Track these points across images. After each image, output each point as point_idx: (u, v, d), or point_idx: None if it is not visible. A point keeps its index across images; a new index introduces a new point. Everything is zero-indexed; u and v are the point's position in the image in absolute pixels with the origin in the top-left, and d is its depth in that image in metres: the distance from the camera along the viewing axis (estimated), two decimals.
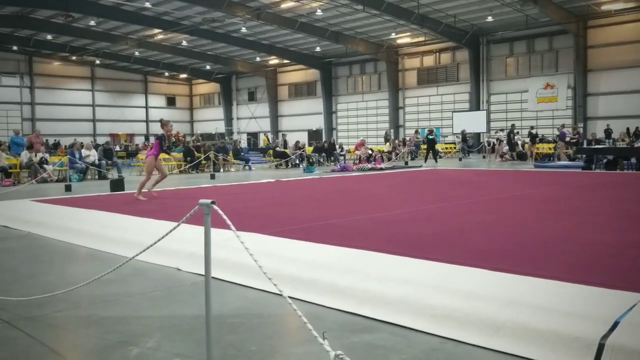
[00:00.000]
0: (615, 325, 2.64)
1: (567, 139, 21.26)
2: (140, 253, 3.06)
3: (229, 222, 2.45)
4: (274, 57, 39.22)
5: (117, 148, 32.29)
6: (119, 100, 45.31)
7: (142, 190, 8.96)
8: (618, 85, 27.72)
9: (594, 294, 3.08)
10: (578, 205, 7.36)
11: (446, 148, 29.13)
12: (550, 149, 22.10)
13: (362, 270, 3.85)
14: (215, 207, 2.44)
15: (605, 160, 15.55)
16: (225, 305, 3.54)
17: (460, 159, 24.57)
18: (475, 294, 3.22)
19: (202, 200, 2.47)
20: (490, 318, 2.93)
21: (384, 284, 3.53)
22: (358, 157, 21.14)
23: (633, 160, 15.12)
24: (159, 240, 2.93)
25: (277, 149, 21.51)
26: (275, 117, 43.38)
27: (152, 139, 40.54)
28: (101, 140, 32.53)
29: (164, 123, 9.56)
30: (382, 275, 3.70)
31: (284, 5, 28.06)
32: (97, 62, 41.86)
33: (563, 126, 23.91)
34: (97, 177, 16.04)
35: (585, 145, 18.60)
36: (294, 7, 28.32)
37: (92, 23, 31.14)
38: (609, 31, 28.12)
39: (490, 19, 29.16)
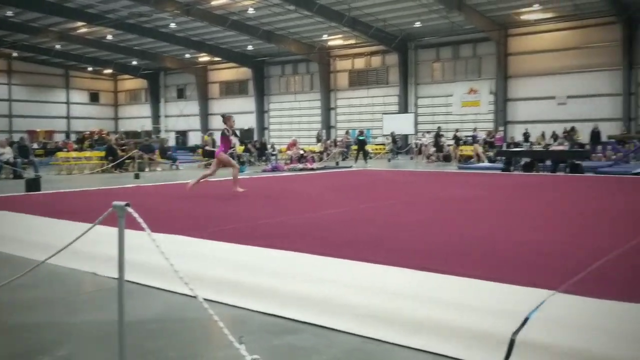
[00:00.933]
0: (525, 321, 2.76)
1: (481, 141, 22.29)
2: (52, 256, 2.91)
3: (143, 224, 2.36)
4: (204, 54, 38.52)
5: (35, 146, 30.66)
6: (38, 95, 43.03)
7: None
8: (535, 91, 29.26)
9: (507, 291, 3.22)
10: (497, 205, 7.69)
11: (376, 149, 29.68)
12: (472, 151, 22.99)
13: (288, 272, 3.84)
14: (129, 209, 2.35)
15: (523, 163, 16.35)
16: (145, 311, 3.42)
17: (389, 160, 25.11)
18: (397, 293, 3.28)
19: (115, 203, 2.37)
20: (411, 317, 3.00)
21: (309, 286, 3.53)
22: (290, 157, 21.14)
23: (548, 162, 15.99)
24: (70, 243, 2.80)
25: (207, 147, 21.11)
26: (205, 115, 42.62)
27: (73, 137, 38.78)
28: (19, 138, 30.75)
29: (226, 118, 9.56)
30: (307, 277, 3.70)
31: (214, 2, 27.63)
32: (15, 54, 39.55)
33: (475, 129, 25.05)
34: (12, 176, 15.15)
35: (505, 148, 19.49)
36: (225, 5, 27.96)
37: (10, 14, 29.38)
38: (528, 40, 29.63)
39: (418, 24, 30.00)
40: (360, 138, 23.14)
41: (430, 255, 4.28)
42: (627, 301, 2.93)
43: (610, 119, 26.61)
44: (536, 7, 26.81)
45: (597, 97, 27.36)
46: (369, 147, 25.69)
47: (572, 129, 23.52)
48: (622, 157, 19.25)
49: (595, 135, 23.29)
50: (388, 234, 5.30)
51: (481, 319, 2.85)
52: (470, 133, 24.77)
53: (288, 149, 21.83)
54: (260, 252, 4.43)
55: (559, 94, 28.41)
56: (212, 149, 21.46)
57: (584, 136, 24.04)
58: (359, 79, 36.11)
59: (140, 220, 2.36)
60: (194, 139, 40.70)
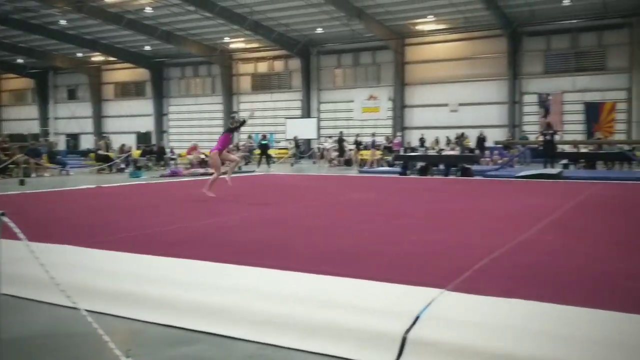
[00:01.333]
0: (416, 319, 2.87)
1: (381, 145, 23.19)
2: None
3: (21, 235, 2.19)
4: (98, 53, 36.67)
5: None
6: None
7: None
8: (430, 98, 30.75)
9: (399, 291, 3.33)
10: (393, 208, 7.97)
11: (279, 153, 29.76)
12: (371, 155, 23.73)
13: (184, 280, 3.72)
14: (5, 219, 2.17)
15: (418, 167, 17.10)
16: (28, 327, 3.18)
17: (292, 164, 25.26)
18: (293, 297, 3.28)
19: None
20: (307, 320, 3.01)
21: (205, 293, 3.45)
22: (190, 161, 20.62)
23: (441, 166, 16.85)
24: None
25: (100, 152, 20.08)
26: (99, 117, 40.57)
27: None
28: None
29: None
30: (204, 284, 3.61)
31: (109, 0, 26.41)
32: None
33: (373, 134, 25.97)
34: None
35: (402, 153, 20.30)
36: (121, 2, 26.81)
37: None
38: (423, 49, 31.08)
39: (320, 30, 30.50)
40: (263, 142, 23.09)
41: (326, 258, 4.34)
42: (507, 297, 3.14)
43: (497, 126, 28.55)
44: (430, 18, 28.22)
45: (485, 105, 29.24)
46: (272, 152, 25.69)
47: (462, 134, 24.97)
48: (507, 162, 20.71)
49: (480, 140, 24.91)
50: (284, 238, 5.32)
51: (374, 319, 2.92)
52: (370, 138, 25.59)
53: (188, 153, 21.28)
54: (153, 260, 4.27)
55: (452, 101, 30.05)
56: (106, 153, 20.47)
57: (473, 142, 25.59)
58: (262, 83, 36.04)
59: (16, 229, 2.18)
60: (86, 142, 38.53)
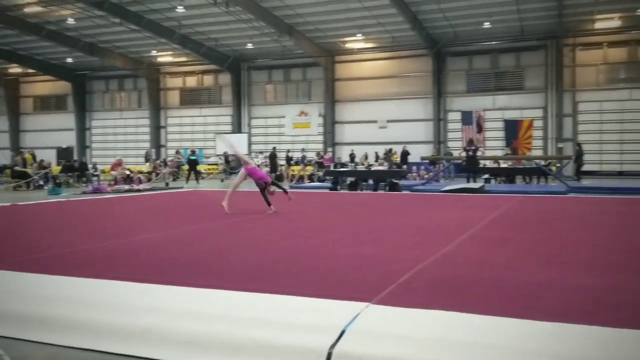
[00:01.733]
0: (342, 334, 2.86)
1: (312, 161, 23.34)
2: None
3: None
4: (15, 65, 34.88)
5: None
6: None
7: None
8: (360, 115, 31.34)
9: (325, 306, 3.32)
10: (321, 223, 8.00)
11: (208, 169, 29.28)
12: (301, 171, 23.85)
13: (103, 301, 3.55)
14: None
15: (348, 182, 17.33)
16: None
17: (222, 180, 24.89)
18: (218, 315, 3.20)
19: None
20: (232, 339, 2.94)
21: (127, 315, 3.30)
22: (114, 178, 19.87)
23: (371, 181, 17.15)
24: None
25: (16, 168, 18.99)
26: (16, 132, 38.49)
27: None
28: None
29: None
30: (125, 306, 3.46)
31: (28, 10, 25.23)
32: None
33: (303, 150, 26.10)
34: None
35: (332, 168, 20.50)
36: (41, 13, 25.68)
37: None
38: (353, 67, 31.70)
39: (250, 46, 30.48)
40: (192, 158, 22.67)
41: (251, 274, 4.28)
42: (430, 308, 3.20)
43: (424, 142, 29.46)
44: (359, 36, 28.87)
45: (412, 122, 30.13)
46: (201, 167, 25.24)
47: (390, 150, 25.57)
48: (433, 177, 21.38)
49: (404, 155, 25.64)
50: (208, 255, 5.20)
51: (300, 335, 2.90)
52: (301, 154, 25.69)
53: (112, 169, 20.50)
54: (68, 281, 4.05)
55: (381, 118, 30.76)
56: (23, 170, 19.42)
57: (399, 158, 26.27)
58: (191, 98, 35.48)
59: None
60: (2, 158, 36.36)
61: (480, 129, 28.30)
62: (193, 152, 23.42)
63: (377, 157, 23.74)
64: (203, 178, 24.97)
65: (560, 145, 27.53)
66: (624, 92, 27.04)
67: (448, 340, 2.76)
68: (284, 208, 9.27)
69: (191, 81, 35.42)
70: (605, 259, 4.85)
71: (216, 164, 30.65)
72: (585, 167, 26.69)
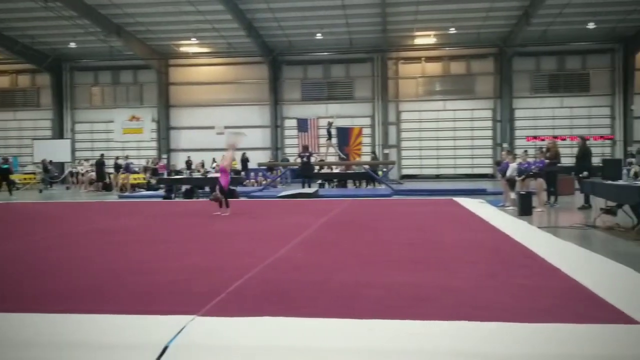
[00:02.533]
0: (164, 350, 2.72)
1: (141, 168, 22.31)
2: None
3: None
4: None
5: None
6: None
7: None
8: (197, 120, 30.73)
9: (147, 322, 3.12)
10: (151, 234, 7.62)
11: (25, 179, 26.46)
12: (135, 179, 22.67)
13: None
14: None
15: (183, 190, 16.83)
16: None
17: (41, 191, 22.64)
18: (29, 342, 2.86)
19: None
20: None
21: None
22: None
23: (207, 188, 16.82)
24: None
25: None
26: None
27: None
28: None
29: None
30: None
31: None
32: None
33: (126, 157, 24.42)
34: None
35: (167, 176, 19.77)
36: None
37: None
38: (188, 71, 30.98)
39: (73, 45, 28.28)
40: (4, 167, 20.28)
41: (66, 295, 3.90)
42: (258, 316, 3.17)
43: (261, 148, 29.79)
44: (194, 41, 28.32)
45: (250, 128, 30.26)
46: (15, 177, 22.73)
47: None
48: (270, 183, 21.67)
49: (244, 162, 25.76)
50: (22, 277, 4.65)
51: (121, 355, 2.70)
52: (136, 161, 24.34)
53: None
54: None
55: (218, 124, 30.47)
56: None
57: (239, 163, 26.25)
58: (3, 100, 31.89)
59: None
60: None
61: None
62: (6, 161, 20.95)
63: (203, 164, 23.38)
64: (17, 189, 22.52)
65: (386, 151, 29.70)
66: (439, 103, 30.05)
67: (276, 346, 2.75)
68: (105, 222, 8.68)
69: (3, 82, 31.87)
70: (416, 257, 5.28)
71: (34, 173, 27.79)
72: (408, 171, 29.12)
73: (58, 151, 29.51)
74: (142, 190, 21.39)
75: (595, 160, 14.14)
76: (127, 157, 23.67)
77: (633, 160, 20.02)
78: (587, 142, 13.48)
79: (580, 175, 12.16)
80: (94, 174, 22.13)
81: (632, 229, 7.97)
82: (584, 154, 12.47)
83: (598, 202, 9.19)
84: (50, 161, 25.15)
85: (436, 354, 2.61)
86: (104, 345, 2.81)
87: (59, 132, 31.11)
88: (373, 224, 8.13)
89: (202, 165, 21.63)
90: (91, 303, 3.59)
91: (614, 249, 6.78)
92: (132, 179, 22.69)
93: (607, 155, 27.30)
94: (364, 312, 3.21)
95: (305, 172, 19.11)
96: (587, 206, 11.76)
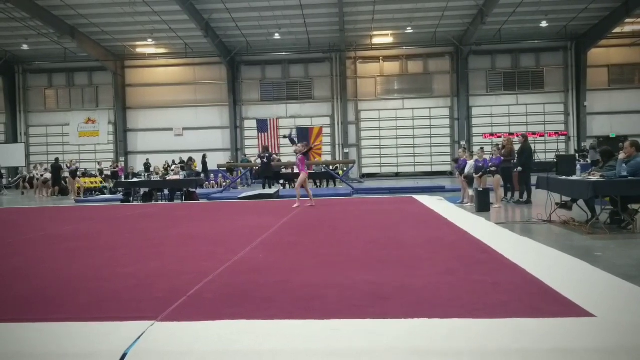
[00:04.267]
0: (123, 357, 2.68)
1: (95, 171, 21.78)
2: None
3: None
4: None
5: None
6: None
7: None
8: (155, 122, 30.25)
9: (105, 329, 3.07)
10: (107, 239, 7.47)
11: None
12: (93, 182, 22.14)
13: None
14: None
15: (142, 193, 16.53)
16: None
17: None
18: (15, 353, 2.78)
19: None
20: None
21: None
22: None
23: (166, 191, 16.60)
24: None
25: None
26: None
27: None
28: None
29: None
30: None
31: None
32: None
33: (71, 161, 23.74)
34: None
35: (124, 179, 19.38)
36: None
37: None
38: (145, 72, 30.44)
39: (25, 47, 27.45)
40: None
41: (17, 302, 3.80)
42: (217, 319, 3.17)
43: (221, 149, 29.55)
44: (150, 42, 27.86)
45: (209, 129, 30.02)
46: None
47: (190, 159, 25.11)
48: (230, 184, 21.51)
49: (205, 164, 25.51)
50: None
51: None
52: (92, 165, 23.76)
53: None
54: None
55: (176, 125, 30.08)
56: None
57: (200, 166, 25.97)
58: None
59: None
60: None
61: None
62: None
63: (168, 166, 23.07)
64: None
65: (346, 150, 29.88)
66: (397, 102, 30.42)
67: (233, 349, 2.75)
68: (59, 228, 8.46)
69: None
70: (376, 255, 5.34)
71: None
72: (368, 170, 29.35)
73: (12, 156, 28.58)
74: (98, 194, 20.92)
75: (550, 157, 14.68)
76: (72, 162, 22.88)
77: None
78: (542, 139, 14.00)
79: (515, 170, 12.75)
80: (49, 175, 21.47)
81: (586, 223, 8.23)
82: (522, 150, 12.94)
83: (554, 198, 9.47)
84: None
85: (397, 352, 2.66)
86: (60, 355, 2.75)
87: (12, 136, 30.10)
88: (334, 224, 8.19)
89: (163, 167, 21.29)
90: (44, 311, 3.50)
91: (569, 243, 6.99)
92: (89, 182, 22.17)
93: (562, 151, 28.19)
94: (324, 313, 3.24)
95: (265, 173, 19.04)
96: (522, 201, 12.44)
